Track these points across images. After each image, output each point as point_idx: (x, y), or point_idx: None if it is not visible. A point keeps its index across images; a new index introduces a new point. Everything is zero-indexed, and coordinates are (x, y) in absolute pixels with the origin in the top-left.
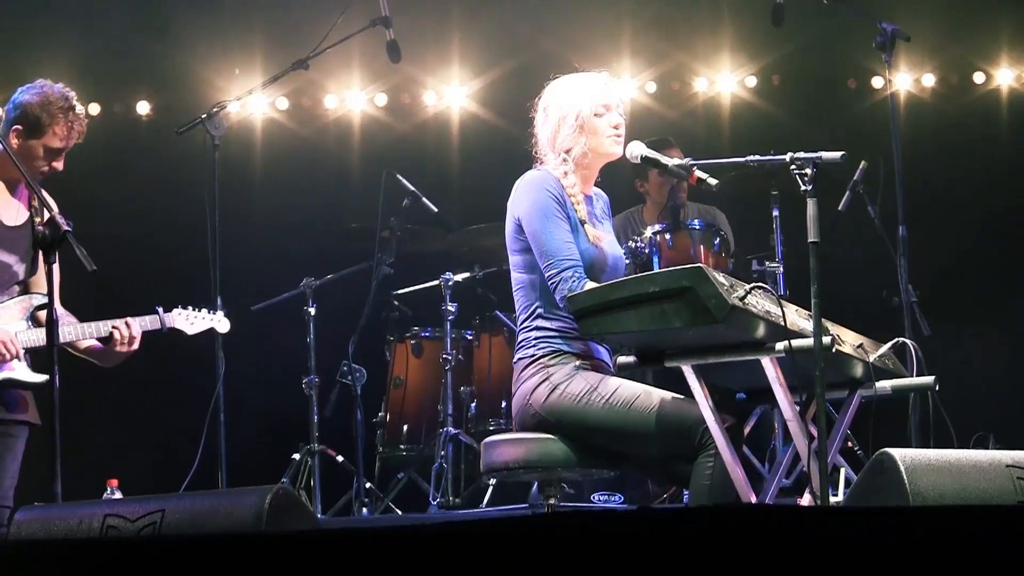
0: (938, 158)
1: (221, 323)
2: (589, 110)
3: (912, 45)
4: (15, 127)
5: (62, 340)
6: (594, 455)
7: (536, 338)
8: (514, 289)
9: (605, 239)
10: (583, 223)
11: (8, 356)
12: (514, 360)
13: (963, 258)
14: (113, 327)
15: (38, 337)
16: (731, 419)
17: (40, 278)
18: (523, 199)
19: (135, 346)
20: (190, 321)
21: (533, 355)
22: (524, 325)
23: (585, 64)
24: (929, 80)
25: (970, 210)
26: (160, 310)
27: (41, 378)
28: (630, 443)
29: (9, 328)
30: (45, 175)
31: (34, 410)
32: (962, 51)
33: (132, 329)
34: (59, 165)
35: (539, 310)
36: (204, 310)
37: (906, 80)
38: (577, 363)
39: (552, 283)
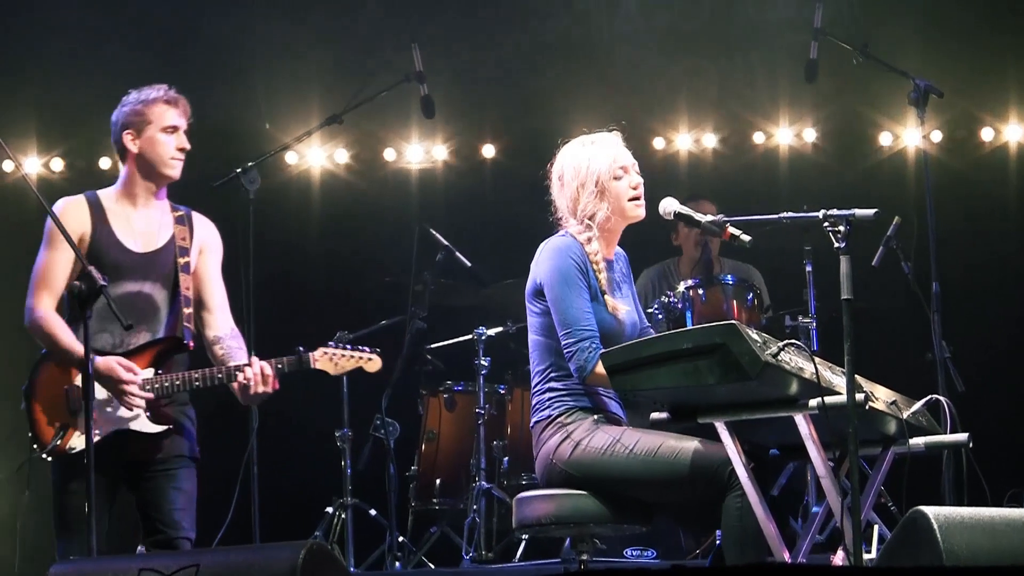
0: (968, 213)
1: (371, 362)
2: (608, 174)
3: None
4: (126, 132)
5: (189, 387)
6: (625, 509)
7: (550, 399)
8: (530, 351)
9: (623, 310)
10: (603, 293)
11: (132, 401)
12: (531, 424)
13: (996, 315)
14: (238, 370)
15: (162, 386)
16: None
17: (215, 294)
18: (545, 264)
19: (268, 388)
20: (334, 362)
21: (549, 415)
22: (537, 388)
23: (599, 123)
24: (938, 136)
25: (1003, 266)
26: (301, 350)
27: (158, 428)
28: (658, 491)
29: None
30: (179, 163)
31: (180, 443)
32: (970, 106)
33: (263, 370)
34: (184, 144)
35: (552, 372)
36: (349, 348)
37: (939, 136)
38: (595, 417)
39: (568, 352)
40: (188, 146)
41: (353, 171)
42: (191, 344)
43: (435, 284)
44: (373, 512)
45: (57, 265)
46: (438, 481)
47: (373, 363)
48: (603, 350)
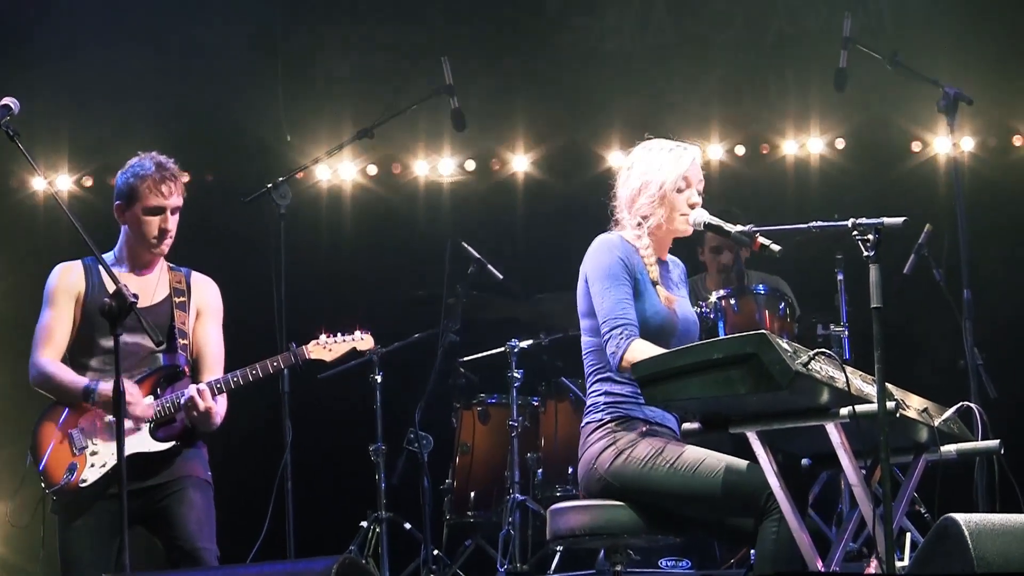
0: (999, 219)
1: (363, 341)
2: (673, 184)
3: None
4: (117, 203)
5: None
6: (660, 521)
7: (605, 403)
8: (583, 352)
9: (678, 302)
10: (655, 284)
11: (133, 411)
12: (582, 424)
13: None
14: (187, 403)
15: (164, 408)
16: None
17: (210, 355)
18: (592, 260)
19: (206, 403)
20: (328, 348)
21: (601, 419)
22: (592, 389)
23: (630, 135)
24: (969, 143)
25: None
26: (293, 345)
27: (163, 446)
28: (695, 507)
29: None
30: (161, 243)
31: (186, 466)
32: (1002, 113)
33: (198, 389)
34: (168, 225)
35: (607, 373)
36: (340, 334)
37: (969, 143)
38: (644, 428)
39: (604, 339)
40: (172, 228)
41: (384, 185)
42: (187, 370)
43: (467, 297)
44: (408, 525)
45: (58, 323)
46: (472, 494)
47: (365, 342)
48: (637, 338)
